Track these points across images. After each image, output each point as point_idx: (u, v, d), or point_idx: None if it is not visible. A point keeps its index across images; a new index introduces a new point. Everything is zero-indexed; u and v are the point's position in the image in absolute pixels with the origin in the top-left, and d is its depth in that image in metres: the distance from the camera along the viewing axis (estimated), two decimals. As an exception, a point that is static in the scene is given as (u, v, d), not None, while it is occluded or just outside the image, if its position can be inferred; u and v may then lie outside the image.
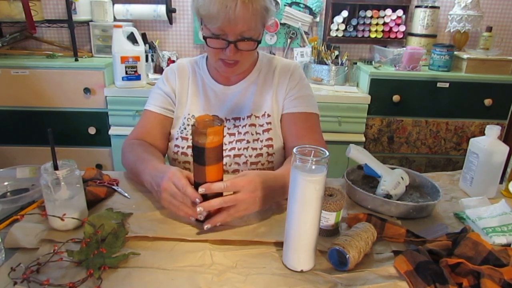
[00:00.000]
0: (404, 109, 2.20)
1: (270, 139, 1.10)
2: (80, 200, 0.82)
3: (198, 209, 0.76)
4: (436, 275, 0.65)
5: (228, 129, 1.11)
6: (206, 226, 0.78)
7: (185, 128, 1.12)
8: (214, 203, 0.76)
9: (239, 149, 1.09)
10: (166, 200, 0.81)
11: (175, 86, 1.14)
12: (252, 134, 1.10)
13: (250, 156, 1.08)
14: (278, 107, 1.11)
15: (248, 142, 1.09)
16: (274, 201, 0.89)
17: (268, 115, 1.11)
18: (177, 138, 1.12)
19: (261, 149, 1.09)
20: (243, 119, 1.11)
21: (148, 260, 0.70)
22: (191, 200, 0.77)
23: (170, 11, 2.37)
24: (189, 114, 1.12)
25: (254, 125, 1.10)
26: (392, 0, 2.33)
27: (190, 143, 1.10)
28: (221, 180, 0.80)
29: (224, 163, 1.09)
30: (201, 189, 0.76)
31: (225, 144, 1.10)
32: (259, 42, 0.99)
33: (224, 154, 1.09)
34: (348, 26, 2.37)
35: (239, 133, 1.10)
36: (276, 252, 0.74)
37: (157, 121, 1.13)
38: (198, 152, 0.75)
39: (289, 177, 0.90)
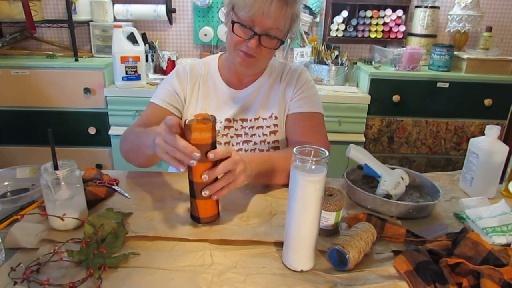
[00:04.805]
0: (404, 109, 2.20)
1: (277, 141, 1.12)
2: (80, 200, 0.82)
3: (202, 177, 0.75)
4: (436, 275, 0.65)
5: (236, 130, 1.13)
6: (204, 192, 0.76)
7: None
8: (218, 170, 0.76)
9: (246, 150, 1.11)
10: (159, 146, 0.75)
11: (186, 86, 1.13)
12: (259, 136, 1.12)
13: None
14: (285, 109, 1.13)
15: (255, 143, 1.12)
16: (261, 170, 0.90)
17: (276, 117, 1.12)
18: None
19: (268, 150, 1.11)
20: (250, 120, 1.13)
21: (148, 260, 0.70)
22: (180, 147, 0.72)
23: (170, 11, 2.37)
24: None
25: (261, 127, 1.12)
26: (392, 0, 2.34)
27: None
28: (215, 180, 0.78)
29: None
30: (204, 176, 0.75)
31: (233, 145, 1.12)
32: (281, 43, 1.00)
33: None
34: (348, 26, 2.37)
35: (246, 134, 1.12)
36: (276, 252, 0.74)
37: (161, 115, 1.09)
38: None
39: (270, 156, 0.96)
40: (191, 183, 0.78)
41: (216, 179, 0.78)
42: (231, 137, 1.12)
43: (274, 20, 0.94)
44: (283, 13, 0.95)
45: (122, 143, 1.06)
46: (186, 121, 0.74)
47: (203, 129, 0.73)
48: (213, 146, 0.76)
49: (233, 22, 0.97)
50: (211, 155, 0.73)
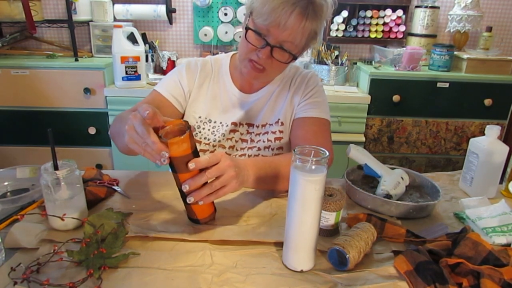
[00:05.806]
0: (404, 109, 2.20)
1: (281, 148, 1.10)
2: (80, 200, 0.82)
3: (183, 186, 0.72)
4: (436, 275, 0.65)
5: (241, 134, 1.11)
6: (189, 199, 0.73)
7: (197, 128, 1.11)
8: (199, 179, 0.72)
9: (249, 156, 1.10)
10: (129, 133, 0.70)
11: (194, 82, 1.10)
12: (264, 142, 1.10)
13: None
14: (292, 115, 1.10)
15: (259, 149, 1.10)
16: (261, 175, 0.87)
17: (282, 123, 1.10)
18: None
19: (271, 156, 1.09)
20: (257, 126, 1.11)
21: (148, 260, 0.70)
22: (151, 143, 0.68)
23: (170, 11, 2.37)
24: (206, 118, 1.11)
25: (267, 132, 1.10)
26: (392, 0, 2.34)
27: (200, 145, 1.10)
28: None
29: None
30: (185, 186, 0.72)
31: (237, 150, 1.10)
32: (294, 58, 0.97)
33: None
34: (348, 26, 2.38)
35: (252, 140, 1.10)
36: (276, 252, 0.74)
37: (162, 105, 1.05)
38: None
39: (271, 160, 0.94)
40: (180, 191, 0.76)
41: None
42: (236, 141, 1.10)
43: (290, 33, 0.90)
44: (301, 27, 0.90)
45: (111, 125, 1.03)
46: (160, 136, 0.70)
47: (180, 141, 0.69)
48: (195, 154, 0.73)
49: (247, 28, 0.94)
50: (191, 165, 0.70)
